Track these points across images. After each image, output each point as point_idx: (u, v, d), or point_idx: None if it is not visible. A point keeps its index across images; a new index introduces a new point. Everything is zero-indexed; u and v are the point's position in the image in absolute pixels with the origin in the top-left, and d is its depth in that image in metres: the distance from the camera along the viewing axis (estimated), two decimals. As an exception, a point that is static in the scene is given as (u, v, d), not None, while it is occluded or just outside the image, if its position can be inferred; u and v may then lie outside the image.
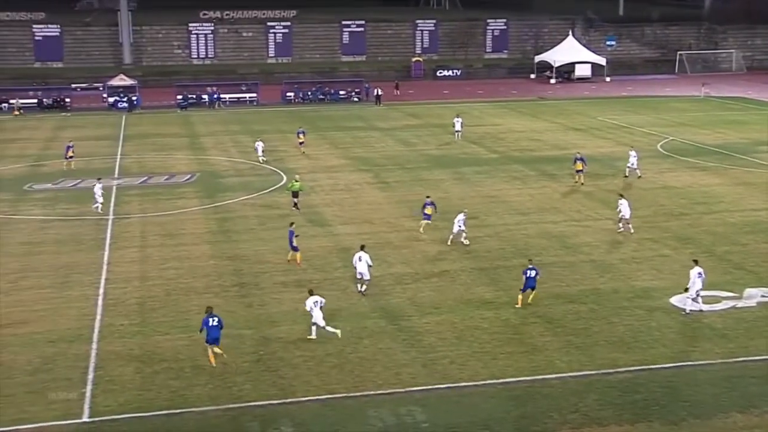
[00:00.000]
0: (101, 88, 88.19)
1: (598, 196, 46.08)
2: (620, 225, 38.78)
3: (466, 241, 37.25)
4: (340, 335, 27.25)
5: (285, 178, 50.52)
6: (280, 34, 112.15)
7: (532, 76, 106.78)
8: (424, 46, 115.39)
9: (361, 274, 31.13)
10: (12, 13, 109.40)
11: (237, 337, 27.63)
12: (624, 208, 38.49)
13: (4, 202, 45.94)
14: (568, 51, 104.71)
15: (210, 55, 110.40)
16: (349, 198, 46.37)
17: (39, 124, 74.24)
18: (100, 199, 43.11)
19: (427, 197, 40.12)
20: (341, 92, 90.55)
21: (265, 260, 35.48)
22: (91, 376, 24.90)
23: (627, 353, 26.31)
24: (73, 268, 34.47)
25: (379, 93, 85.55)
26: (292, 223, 36.49)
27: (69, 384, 24.36)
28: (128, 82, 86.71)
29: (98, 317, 29.28)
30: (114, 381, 24.57)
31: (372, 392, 23.91)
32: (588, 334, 27.79)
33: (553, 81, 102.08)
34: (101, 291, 31.89)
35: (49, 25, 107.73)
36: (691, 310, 29.32)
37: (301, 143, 58.93)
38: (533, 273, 30.23)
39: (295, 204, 43.18)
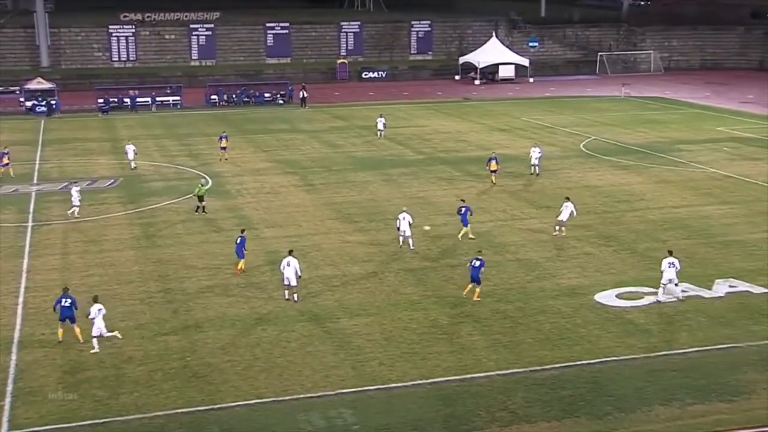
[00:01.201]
0: (18, 92, 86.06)
1: (523, 195, 46.72)
2: (556, 227, 39.15)
3: (411, 243, 37.28)
4: (120, 336, 27.31)
5: (210, 181, 50.00)
6: (204, 37, 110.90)
7: (457, 77, 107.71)
8: (349, 47, 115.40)
9: (288, 279, 30.80)
10: None
11: (163, 343, 27.27)
12: (565, 211, 38.92)
13: None
14: (492, 52, 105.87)
15: (132, 58, 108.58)
16: (275, 201, 46.13)
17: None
18: (77, 203, 42.48)
19: (462, 200, 40.25)
20: (266, 95, 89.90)
21: (190, 265, 35.08)
22: (10, 387, 24.28)
23: (553, 350, 26.73)
24: (-9, 276, 33.58)
25: (305, 95, 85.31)
26: (243, 230, 35.83)
27: (-12, 396, 23.73)
28: (46, 85, 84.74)
29: (18, 327, 28.58)
30: (35, 392, 24.01)
31: (301, 395, 23.84)
32: (515, 332, 28.15)
33: (477, 82, 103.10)
34: (21, 300, 31.13)
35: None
36: (662, 300, 30.47)
37: (223, 148, 57.06)
38: (477, 263, 30.58)
39: (198, 208, 42.91)
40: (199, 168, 54.59)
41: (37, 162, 57.80)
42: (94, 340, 26.72)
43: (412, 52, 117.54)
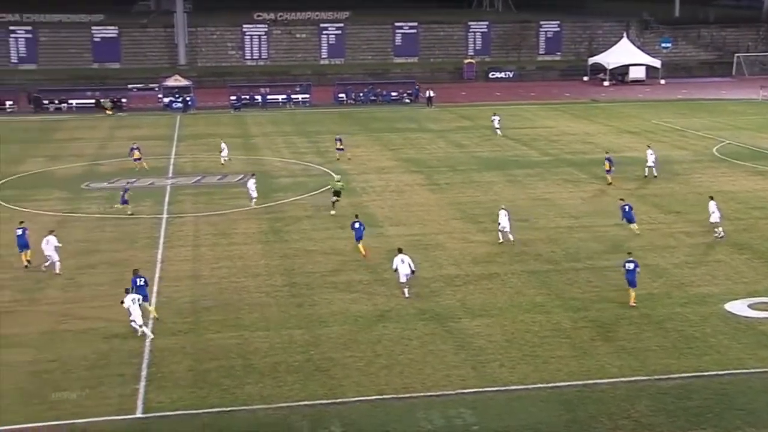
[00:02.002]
0: (157, 89, 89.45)
1: (651, 200, 45.49)
2: (715, 230, 38.09)
3: (511, 237, 37.59)
4: (152, 338, 27.57)
5: (337, 179, 50.68)
6: (333, 36, 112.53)
7: (586, 78, 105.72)
8: (477, 47, 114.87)
9: (406, 276, 30.99)
10: (72, 15, 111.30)
11: (288, 336, 27.83)
12: (715, 211, 37.99)
13: (62, 201, 46.81)
14: (623, 53, 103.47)
15: (263, 56, 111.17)
16: (400, 199, 46.40)
17: (96, 124, 75.46)
18: (255, 194, 44.03)
19: (621, 199, 40.49)
20: (393, 94, 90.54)
21: (315, 260, 35.66)
22: (144, 372, 25.26)
23: (680, 359, 25.93)
24: (128, 265, 34.79)
25: (431, 95, 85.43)
26: (356, 215, 37.47)
27: (123, 380, 24.74)
28: (183, 82, 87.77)
29: (152, 315, 29.65)
30: (166, 377, 24.90)
31: (421, 394, 23.89)
32: (640, 339, 27.44)
33: (606, 83, 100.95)
34: (155, 289, 32.30)
35: (108, 27, 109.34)
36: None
37: (339, 149, 57.47)
38: (632, 266, 30.04)
39: (334, 203, 43.35)
40: (326, 165, 55.45)
41: (173, 156, 59.91)
42: (137, 327, 27.54)
43: (540, 52, 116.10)
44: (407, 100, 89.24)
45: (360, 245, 35.93)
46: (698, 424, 22.17)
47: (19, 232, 35.48)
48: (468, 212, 43.27)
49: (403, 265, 30.96)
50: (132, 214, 42.95)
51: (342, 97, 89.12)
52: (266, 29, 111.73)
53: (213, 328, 28.57)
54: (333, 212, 42.69)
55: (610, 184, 48.44)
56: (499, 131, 65.90)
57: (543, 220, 41.85)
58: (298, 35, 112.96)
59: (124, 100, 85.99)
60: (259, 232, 40.33)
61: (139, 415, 22.88)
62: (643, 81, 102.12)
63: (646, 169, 50.56)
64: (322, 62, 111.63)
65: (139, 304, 27.98)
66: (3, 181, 51.54)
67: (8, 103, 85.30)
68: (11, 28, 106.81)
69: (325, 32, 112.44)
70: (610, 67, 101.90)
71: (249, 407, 23.21)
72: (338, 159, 56.99)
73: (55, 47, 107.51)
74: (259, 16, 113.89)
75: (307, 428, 22.26)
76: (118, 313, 29.50)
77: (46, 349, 26.88)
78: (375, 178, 51.69)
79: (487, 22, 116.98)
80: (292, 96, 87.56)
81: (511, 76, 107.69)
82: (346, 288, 32.30)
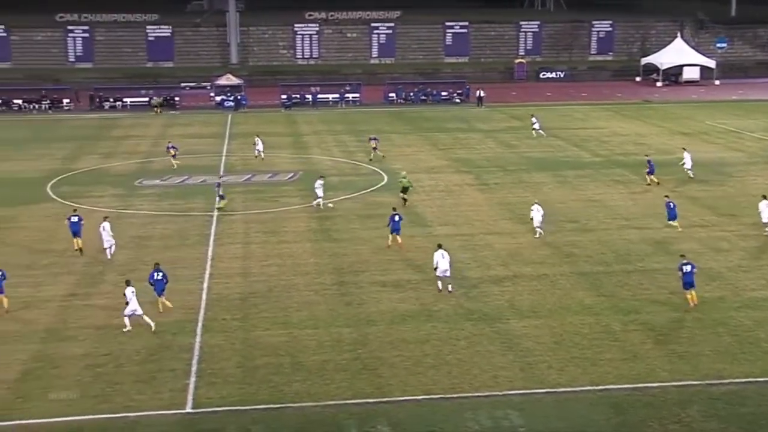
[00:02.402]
0: (209, 88, 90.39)
1: (704, 201, 44.81)
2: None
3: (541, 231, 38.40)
4: (154, 328, 28.01)
5: (386, 178, 50.86)
6: (384, 35, 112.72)
7: (638, 78, 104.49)
8: (528, 47, 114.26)
9: (444, 271, 31.27)
10: (128, 15, 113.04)
11: (336, 334, 27.92)
12: (765, 211, 37.53)
13: (116, 197, 47.54)
14: (676, 53, 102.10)
15: (314, 55, 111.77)
16: (449, 199, 46.30)
17: (150, 122, 76.50)
18: (321, 194, 44.46)
19: (666, 196, 40.94)
20: (443, 93, 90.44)
21: (364, 259, 35.73)
22: (194, 368, 25.53)
23: (733, 364, 25.48)
24: (179, 262, 35.40)
25: (482, 95, 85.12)
26: (394, 208, 37.96)
27: (174, 375, 25.03)
28: (235, 81, 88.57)
29: (202, 311, 29.99)
30: (216, 374, 25.13)
31: (469, 394, 23.82)
32: (692, 343, 27.03)
33: (659, 84, 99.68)
34: (205, 285, 32.66)
35: (162, 26, 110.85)
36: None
37: (374, 149, 57.51)
38: (689, 267, 29.69)
39: (405, 201, 43.87)
40: (375, 164, 55.53)
41: (224, 155, 60.47)
42: (126, 319, 28.20)
43: (591, 52, 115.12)
44: (457, 100, 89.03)
45: (397, 237, 36.71)
46: (751, 431, 21.78)
47: (75, 219, 36.74)
48: (517, 213, 43.01)
49: (443, 260, 31.37)
50: (221, 209, 43.73)
51: (392, 97, 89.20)
52: (317, 28, 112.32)
53: (262, 325, 28.78)
54: (404, 207, 43.10)
55: (650, 184, 48.17)
56: (541, 132, 65.53)
57: (593, 221, 41.45)
58: (348, 34, 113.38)
59: (176, 98, 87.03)
60: (309, 230, 40.53)
61: (189, 410, 23.12)
62: (698, 82, 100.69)
63: (687, 171, 50.00)
64: (372, 61, 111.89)
65: (160, 298, 29.43)
66: (60, 177, 52.48)
67: (66, 101, 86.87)
68: (69, 27, 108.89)
69: (375, 32, 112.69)
70: (664, 67, 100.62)
71: (297, 404, 23.34)
72: (371, 160, 57.03)
73: (110, 46, 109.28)
74: (310, 15, 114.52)
75: (354, 426, 22.32)
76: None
77: (99, 342, 27.32)
78: (424, 177, 51.62)
79: (538, 22, 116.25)
80: (336, 95, 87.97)
81: (562, 76, 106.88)
82: (394, 287, 32.31)
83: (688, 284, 29.82)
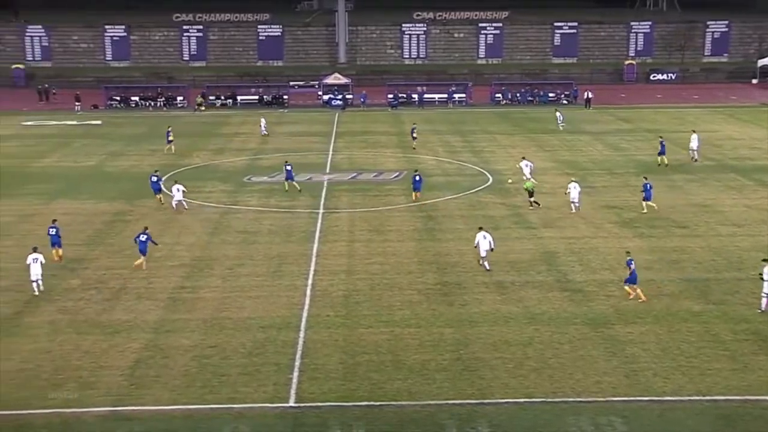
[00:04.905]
0: (317, 86, 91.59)
1: (823, 209, 43.01)
2: None
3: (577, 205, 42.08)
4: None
5: (491, 178, 50.57)
6: (491, 35, 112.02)
7: (755, 80, 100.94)
8: (638, 48, 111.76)
9: (486, 252, 33.75)
10: (240, 15, 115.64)
11: (438, 334, 27.91)
12: None
13: (225, 193, 48.63)
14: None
15: (421, 55, 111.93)
16: (554, 201, 45.65)
17: (260, 120, 77.84)
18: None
19: (645, 177, 41.37)
20: (550, 94, 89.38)
21: (467, 260, 35.56)
22: (297, 363, 25.90)
23: None
24: (285, 258, 35.99)
25: (590, 96, 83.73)
26: (416, 170, 38.16)
27: (277, 369, 25.45)
28: (342, 80, 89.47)
29: (306, 307, 30.41)
30: (319, 369, 25.44)
31: (571, 399, 23.48)
32: (807, 356, 25.99)
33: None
34: (310, 282, 33.10)
35: (272, 26, 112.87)
36: None
37: (414, 138, 62.01)
38: None
39: (531, 202, 43.99)
40: (481, 165, 55.28)
41: (330, 153, 61.16)
42: (33, 284, 31.51)
43: (705, 53, 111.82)
44: (565, 101, 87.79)
45: (417, 194, 44.68)
46: None
47: (53, 231, 35.80)
48: (624, 216, 42.15)
49: (484, 240, 33.84)
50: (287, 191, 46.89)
51: (498, 97, 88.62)
52: (425, 28, 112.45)
53: (365, 322, 29.00)
54: (533, 208, 43.71)
55: (659, 165, 50.38)
56: (562, 126, 68.30)
57: (703, 227, 40.26)
58: (456, 34, 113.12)
59: (285, 96, 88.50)
60: (413, 229, 40.61)
61: (291, 404, 23.49)
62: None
63: (690, 152, 54.94)
64: (479, 62, 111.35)
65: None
66: (173, 173, 54.00)
67: (179, 98, 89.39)
68: (184, 27, 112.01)
69: (483, 32, 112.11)
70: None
71: (397, 403, 23.42)
72: (414, 148, 60.54)
73: (223, 45, 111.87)
74: (418, 15, 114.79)
75: (454, 427, 22.26)
76: (274, 304, 30.52)
77: (207, 335, 28.01)
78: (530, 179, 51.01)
79: (650, 23, 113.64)
80: (442, 95, 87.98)
81: (673, 77, 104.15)
82: (497, 289, 32.10)
83: None
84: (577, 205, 42.48)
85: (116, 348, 27.00)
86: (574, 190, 42.46)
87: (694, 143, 55.44)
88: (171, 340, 27.58)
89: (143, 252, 34.53)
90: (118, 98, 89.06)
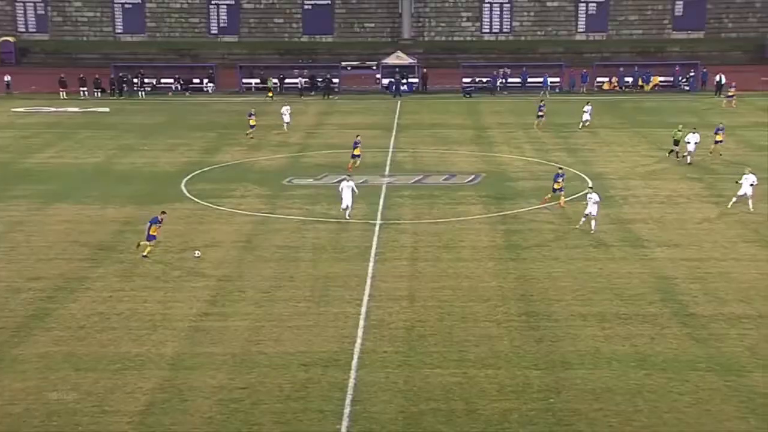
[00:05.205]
0: (375, 68, 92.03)
1: None
2: None
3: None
4: None
5: (591, 183, 50.21)
6: (594, 4, 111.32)
7: None
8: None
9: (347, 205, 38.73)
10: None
11: (522, 377, 27.71)
12: None
13: (261, 198, 49.05)
14: None
15: (505, 30, 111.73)
16: (671, 213, 45.15)
17: (305, 108, 78.57)
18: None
19: (560, 168, 41.00)
20: (668, 78, 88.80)
21: (561, 285, 35.31)
22: (347, 410, 25.90)
23: None
24: (333, 279, 36.10)
25: (722, 80, 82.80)
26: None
27: (322, 417, 25.48)
28: (406, 60, 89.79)
29: (359, 341, 30.41)
30: (374, 418, 25.41)
31: (692, 465, 23.18)
32: None
33: None
34: (363, 310, 33.12)
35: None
36: None
37: (356, 156, 56.19)
38: None
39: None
40: (577, 166, 54.94)
41: (390, 150, 61.35)
42: None
43: None
44: (686, 87, 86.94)
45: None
46: None
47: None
48: (763, 233, 41.47)
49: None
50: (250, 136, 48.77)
51: (600, 82, 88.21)
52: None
53: (431, 361, 28.90)
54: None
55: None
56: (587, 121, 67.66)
57: None
58: (549, 3, 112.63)
59: (335, 80, 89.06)
60: (492, 246, 40.48)
61: (339, 461, 23.57)
62: None
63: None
64: (578, 37, 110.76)
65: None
66: (196, 172, 54.60)
67: (206, 80, 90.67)
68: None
69: (583, 0, 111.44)
70: None
71: (471, 462, 23.35)
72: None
73: (259, 16, 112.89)
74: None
75: (542, 495, 22.11)
76: (318, 336, 30.59)
77: (236, 373, 28.18)
78: (639, 184, 50.67)
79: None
80: (530, 79, 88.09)
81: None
82: (598, 322, 31.78)
83: None
84: (588, 220, 41.76)
85: (124, 388, 27.27)
86: (591, 202, 41.53)
87: (692, 141, 55.68)
88: (192, 380, 27.80)
89: (150, 238, 38.11)
90: (132, 80, 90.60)
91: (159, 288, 35.34)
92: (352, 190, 44.06)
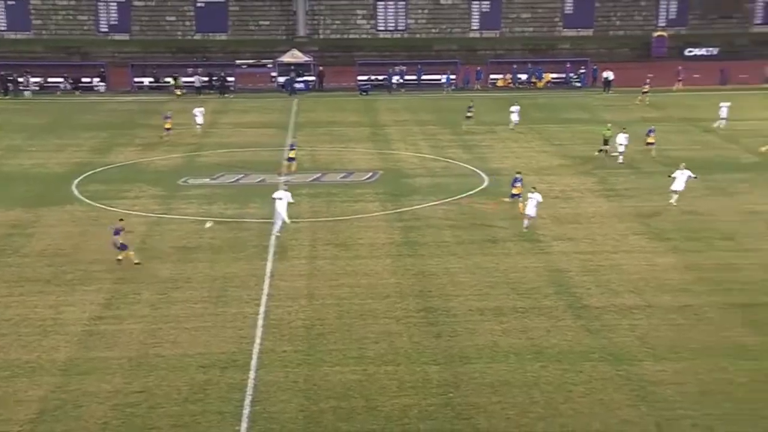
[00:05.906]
0: (270, 66, 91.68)
1: None
2: None
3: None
4: None
5: (486, 180, 50.71)
6: (487, 2, 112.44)
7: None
8: (670, 16, 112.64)
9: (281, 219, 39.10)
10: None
11: (421, 373, 27.88)
12: None
13: (156, 199, 48.45)
14: None
15: (400, 27, 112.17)
16: (565, 208, 45.88)
17: (194, 110, 77.71)
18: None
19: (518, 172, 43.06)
20: (560, 75, 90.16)
21: (458, 281, 35.64)
22: (247, 411, 25.77)
23: None
24: (231, 279, 35.87)
25: (610, 77, 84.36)
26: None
27: (221, 419, 25.31)
28: (302, 58, 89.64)
29: (257, 340, 30.28)
30: (274, 418, 25.32)
31: (588, 454, 23.60)
32: None
33: None
34: (262, 309, 32.99)
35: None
36: None
37: (290, 159, 54.75)
38: None
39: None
40: (474, 162, 55.47)
41: (287, 149, 61.06)
42: None
43: (755, 22, 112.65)
44: (577, 84, 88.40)
45: None
46: None
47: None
48: (654, 226, 42.41)
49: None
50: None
51: (494, 79, 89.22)
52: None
53: (330, 359, 28.92)
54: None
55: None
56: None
57: (753, 239, 40.59)
58: (443, 1, 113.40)
59: (230, 78, 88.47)
60: (390, 243, 40.64)
61: (239, 462, 23.44)
62: None
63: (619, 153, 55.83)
64: (471, 35, 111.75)
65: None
66: (88, 173, 53.71)
67: (96, 80, 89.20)
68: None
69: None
70: None
71: (372, 459, 23.44)
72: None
73: (151, 14, 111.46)
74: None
75: (442, 490, 22.29)
76: (216, 336, 30.37)
77: (132, 377, 27.81)
78: (534, 180, 51.15)
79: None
80: (424, 76, 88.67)
81: (714, 53, 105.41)
82: (495, 316, 32.15)
83: None
84: (527, 222, 41.72)
85: (13, 396, 26.70)
86: (531, 201, 41.49)
87: (621, 140, 55.68)
88: (86, 385, 27.35)
89: (122, 247, 37.08)
90: (17, 79, 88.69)
91: (50, 292, 34.68)
92: (288, 202, 41.62)
